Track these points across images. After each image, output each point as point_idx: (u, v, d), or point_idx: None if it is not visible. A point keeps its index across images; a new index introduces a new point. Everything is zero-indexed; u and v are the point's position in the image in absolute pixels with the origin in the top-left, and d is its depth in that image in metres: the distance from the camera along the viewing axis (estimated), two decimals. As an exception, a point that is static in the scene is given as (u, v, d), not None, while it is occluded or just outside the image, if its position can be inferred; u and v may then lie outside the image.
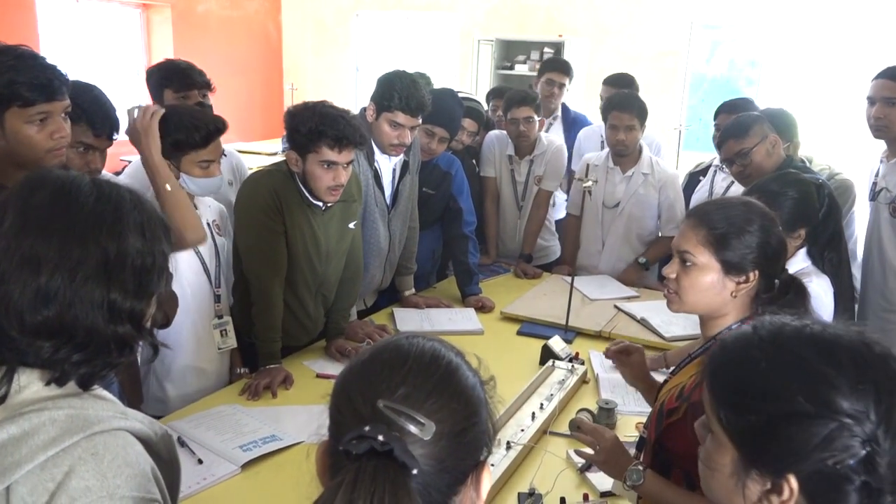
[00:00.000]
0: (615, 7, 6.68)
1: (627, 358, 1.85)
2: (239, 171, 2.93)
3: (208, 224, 2.26)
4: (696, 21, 6.45)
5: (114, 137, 2.04)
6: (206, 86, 2.81)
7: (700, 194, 3.43)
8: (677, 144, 5.48)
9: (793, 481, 0.84)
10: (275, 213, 2.25)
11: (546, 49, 6.78)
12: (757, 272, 1.45)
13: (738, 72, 7.02)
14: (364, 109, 2.69)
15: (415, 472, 0.75)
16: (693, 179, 3.64)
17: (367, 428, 0.75)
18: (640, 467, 1.52)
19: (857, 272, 2.95)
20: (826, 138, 5.05)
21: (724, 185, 3.32)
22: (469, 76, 7.00)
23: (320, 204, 2.32)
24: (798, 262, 2.11)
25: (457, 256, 3.19)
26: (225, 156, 2.77)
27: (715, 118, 3.34)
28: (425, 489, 0.77)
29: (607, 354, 2.35)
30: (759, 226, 1.47)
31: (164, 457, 1.05)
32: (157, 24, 7.51)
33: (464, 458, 0.81)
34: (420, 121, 2.62)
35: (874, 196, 2.92)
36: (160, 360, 2.13)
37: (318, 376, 2.35)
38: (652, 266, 3.39)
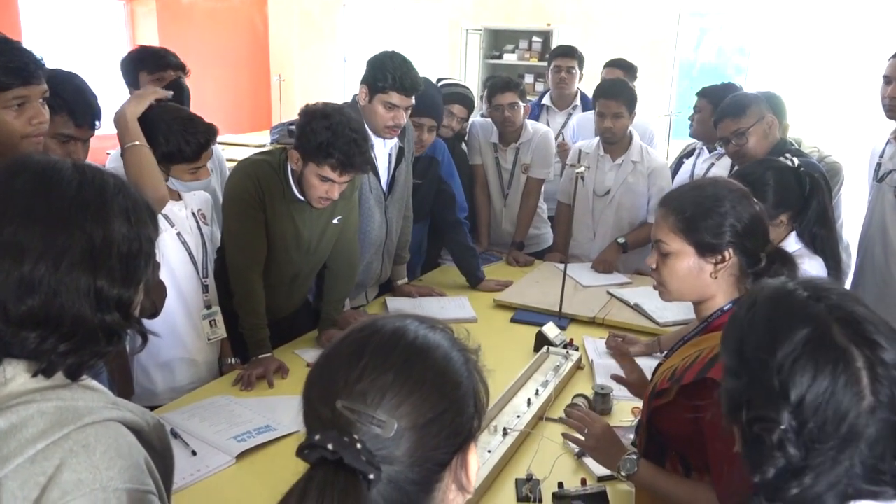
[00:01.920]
0: (602, -7, 6.66)
1: (627, 378, 1.88)
2: (218, 158, 2.90)
3: (194, 213, 2.23)
4: (683, 9, 6.44)
5: (96, 127, 2.00)
6: (181, 68, 2.77)
7: (682, 176, 3.43)
8: (667, 132, 5.46)
9: (735, 432, 0.93)
10: (256, 203, 2.24)
11: (535, 38, 6.77)
12: (732, 250, 1.45)
13: (727, 59, 7.01)
14: (355, 96, 2.66)
15: (371, 476, 0.72)
16: (679, 163, 3.64)
17: (317, 437, 0.73)
18: (634, 456, 1.51)
19: (843, 255, 2.95)
20: (813, 123, 5.06)
21: (704, 166, 3.32)
22: (458, 66, 6.96)
23: (303, 198, 2.30)
24: (790, 246, 2.10)
25: (457, 240, 3.17)
26: None
27: (695, 103, 3.34)
28: (397, 487, 0.75)
29: (609, 340, 2.34)
30: (728, 203, 1.46)
31: (157, 447, 1.03)
32: (142, 17, 7.42)
33: (439, 447, 0.78)
34: (413, 101, 2.59)
35: (880, 178, 2.91)
36: (148, 352, 2.10)
37: (310, 365, 2.33)
38: (632, 249, 3.37)
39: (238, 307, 2.30)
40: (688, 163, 3.52)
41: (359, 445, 0.72)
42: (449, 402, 0.79)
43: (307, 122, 2.15)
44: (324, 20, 8.10)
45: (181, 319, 2.17)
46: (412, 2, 7.61)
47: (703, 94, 3.32)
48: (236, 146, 6.20)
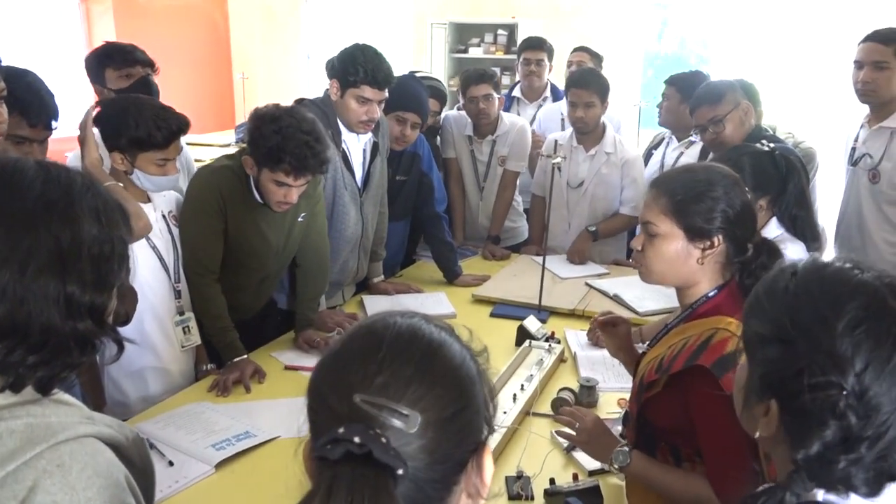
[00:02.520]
0: (567, -14, 6.65)
1: (614, 329, 1.82)
2: (185, 157, 2.81)
3: (164, 216, 2.15)
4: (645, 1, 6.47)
5: (52, 127, 1.91)
6: (149, 64, 2.68)
7: (652, 168, 3.43)
8: (636, 122, 5.48)
9: (773, 406, 0.89)
10: (216, 213, 2.18)
11: (500, 31, 6.73)
12: (721, 236, 1.43)
13: (689, 50, 7.07)
14: (326, 91, 2.59)
15: (400, 472, 0.67)
16: (648, 154, 3.63)
17: (340, 430, 0.67)
18: (626, 448, 1.49)
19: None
20: (784, 111, 5.11)
21: (674, 155, 3.32)
22: (423, 60, 6.91)
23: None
24: (771, 231, 2.10)
25: (435, 235, 3.13)
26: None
27: (663, 91, 3.33)
28: (417, 486, 0.70)
29: (590, 332, 2.33)
30: (721, 189, 1.44)
31: (137, 462, 0.96)
32: (98, 14, 7.23)
33: (459, 445, 0.74)
34: (386, 94, 2.54)
35: (854, 162, 2.93)
36: (119, 363, 2.02)
37: (287, 368, 2.27)
38: (603, 237, 3.36)
39: (199, 314, 2.23)
40: (657, 153, 3.51)
41: (384, 440, 0.67)
42: (468, 398, 0.76)
43: (256, 128, 2.08)
44: (286, 16, 7.98)
45: (152, 327, 2.09)
46: (376, -4, 7.53)
47: (671, 81, 3.31)
48: (201, 146, 6.07)
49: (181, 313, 2.16)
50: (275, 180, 2.10)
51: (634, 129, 5.41)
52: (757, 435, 0.93)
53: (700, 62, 6.78)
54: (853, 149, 2.98)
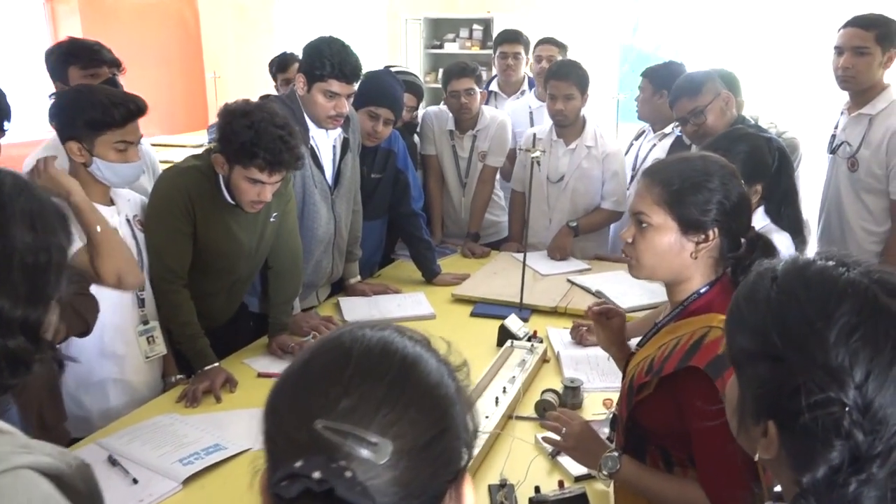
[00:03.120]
0: (542, -21, 6.60)
1: (608, 321, 1.74)
2: (149, 158, 2.70)
3: (128, 220, 2.05)
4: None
5: (3, 128, 1.81)
6: (115, 64, 2.57)
7: (630, 161, 3.38)
8: (615, 116, 5.43)
9: (771, 428, 0.80)
10: (184, 215, 2.09)
11: (475, 26, 6.68)
12: (717, 230, 1.36)
13: (665, 42, 7.04)
14: (293, 87, 2.50)
15: None
16: (629, 147, 3.58)
17: (298, 463, 0.58)
18: (616, 453, 1.42)
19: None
20: (763, 103, 5.09)
21: (647, 147, 3.27)
22: (398, 56, 6.82)
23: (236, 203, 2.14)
24: (758, 221, 2.04)
25: (412, 233, 3.05)
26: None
27: (640, 84, 3.28)
28: None
29: (574, 331, 2.25)
30: (717, 180, 1.37)
31: (83, 489, 0.87)
32: (64, 14, 7.05)
33: (435, 475, 0.65)
34: (355, 87, 2.45)
35: (833, 150, 2.90)
36: (77, 375, 1.93)
37: (260, 375, 2.18)
38: (584, 233, 3.30)
39: (167, 322, 2.13)
40: (636, 145, 3.46)
41: (348, 473, 0.59)
42: (447, 421, 0.66)
43: (227, 123, 1.99)
44: (259, 14, 7.85)
45: (113, 337, 1.99)
46: (349, -8, 7.43)
47: (645, 74, 3.27)
48: (172, 147, 5.94)
49: (145, 322, 2.05)
50: (248, 178, 2.01)
51: (612, 123, 5.36)
52: (757, 457, 0.84)
53: (676, 55, 6.76)
54: (833, 136, 2.95)
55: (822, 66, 3.02)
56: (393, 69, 3.20)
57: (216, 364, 2.11)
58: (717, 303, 1.36)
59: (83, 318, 1.69)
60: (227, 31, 8.04)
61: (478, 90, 3.36)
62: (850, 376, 0.74)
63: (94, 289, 1.85)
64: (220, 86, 7.46)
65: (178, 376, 2.15)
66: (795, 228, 2.08)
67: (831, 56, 2.82)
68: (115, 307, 1.97)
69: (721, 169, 1.39)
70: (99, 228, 1.78)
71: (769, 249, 1.38)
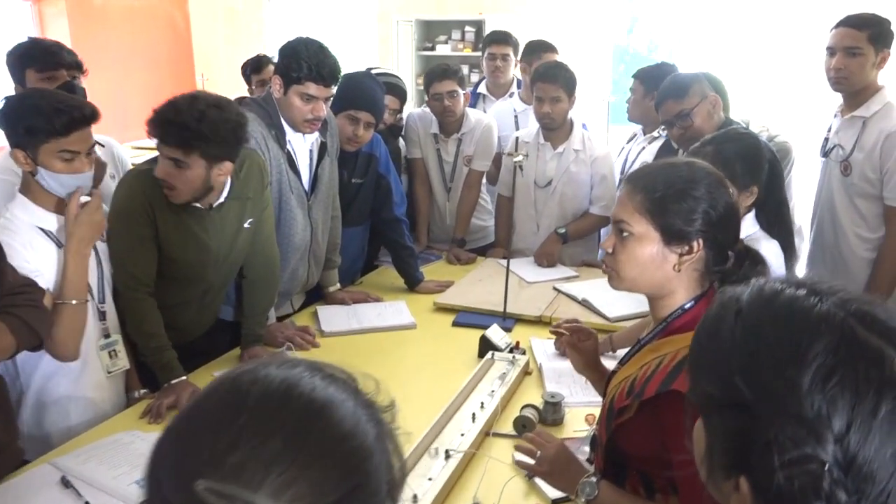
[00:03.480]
0: (534, -19, 6.53)
1: (580, 343, 1.65)
2: (122, 164, 2.62)
3: None
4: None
5: None
6: (77, 66, 2.47)
7: (618, 165, 3.30)
8: (606, 118, 5.36)
9: (743, 484, 0.70)
10: (144, 218, 1.99)
11: (467, 28, 6.62)
12: (701, 241, 1.27)
13: (659, 44, 6.99)
14: (269, 90, 2.42)
15: None
16: (621, 150, 3.50)
17: None
18: (594, 479, 1.33)
19: (795, 238, 2.86)
20: (755, 106, 5.02)
21: (637, 150, 3.19)
22: (390, 59, 6.74)
23: (199, 205, 2.05)
24: (747, 227, 1.97)
25: (395, 240, 2.96)
26: (102, 146, 2.46)
27: (631, 86, 3.20)
28: None
29: (558, 341, 2.19)
30: (704, 188, 1.28)
31: None
32: (51, 18, 6.97)
33: None
34: (333, 90, 2.37)
35: (826, 153, 2.82)
36: (34, 393, 1.84)
37: (231, 390, 2.09)
38: (573, 239, 3.22)
39: (132, 333, 2.04)
40: (626, 148, 3.39)
41: None
42: (358, 478, 0.58)
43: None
44: (249, 16, 7.78)
45: None
46: (340, -6, 7.35)
47: (637, 75, 3.19)
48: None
49: (106, 336, 1.96)
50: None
51: (604, 125, 5.28)
52: None
53: (671, 56, 6.69)
54: (826, 139, 2.88)
55: (815, 68, 2.95)
56: (375, 71, 3.12)
57: (183, 378, 2.03)
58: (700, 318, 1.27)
59: (35, 332, 1.60)
60: (217, 34, 7.97)
61: (461, 92, 3.28)
62: (828, 428, 0.64)
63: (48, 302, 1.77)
64: (209, 88, 7.36)
65: (143, 391, 2.07)
66: (785, 239, 2.01)
67: (823, 57, 2.75)
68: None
69: (708, 176, 1.30)
70: (74, 302, 1.76)
71: (758, 263, 1.30)
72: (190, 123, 1.86)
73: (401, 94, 3.20)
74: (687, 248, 1.27)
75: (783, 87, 5.67)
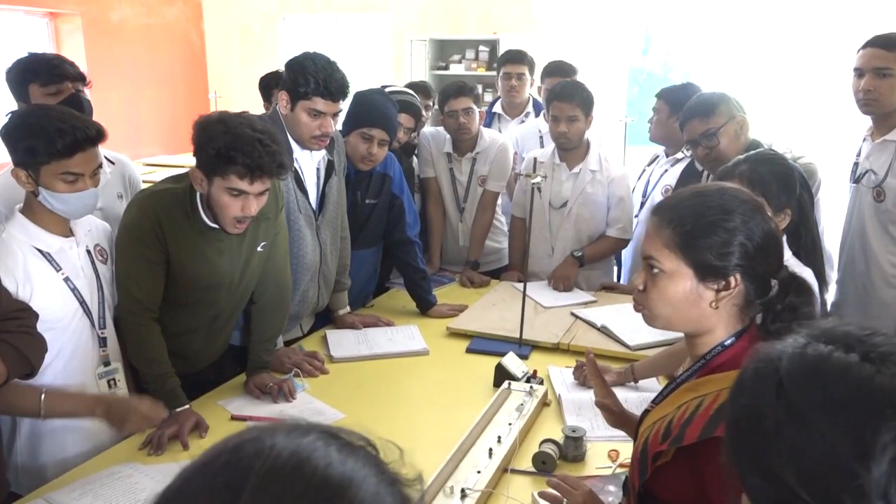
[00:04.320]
0: (549, 1, 6.48)
1: (607, 412, 1.56)
2: (131, 184, 2.55)
3: (88, 251, 1.89)
4: (630, 14, 6.30)
5: None
6: (80, 78, 2.41)
7: (640, 189, 3.21)
8: (623, 138, 5.28)
9: None
10: (153, 241, 1.91)
11: (481, 47, 6.59)
12: (739, 276, 1.17)
13: (674, 65, 6.93)
14: (275, 107, 2.36)
15: None
16: (642, 173, 3.41)
17: None
18: None
19: (826, 266, 2.75)
20: (777, 128, 4.93)
21: (659, 173, 3.10)
22: (404, 77, 6.71)
23: (217, 227, 1.97)
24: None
25: (407, 262, 2.87)
26: (112, 163, 2.40)
27: (654, 105, 3.11)
28: None
29: (577, 371, 2.10)
30: (738, 218, 1.18)
31: None
32: (67, 34, 7.00)
33: None
34: (342, 106, 2.30)
35: (857, 179, 2.72)
36: (28, 422, 1.76)
37: (234, 418, 2.01)
38: (589, 262, 3.12)
39: (134, 360, 1.96)
40: (647, 171, 3.30)
41: None
42: None
43: (202, 130, 1.84)
44: (264, 34, 7.79)
45: (70, 381, 1.81)
46: (354, 13, 7.35)
47: (661, 95, 3.11)
48: (173, 167, 5.82)
49: (106, 363, 1.88)
50: (228, 189, 1.84)
51: (621, 146, 5.20)
52: None
53: (686, 77, 6.62)
54: (855, 164, 2.77)
55: (837, 89, 2.86)
56: (389, 89, 3.06)
57: (187, 406, 1.94)
58: (744, 357, 1.17)
59: (27, 360, 1.53)
60: (232, 52, 7.99)
61: (476, 109, 3.21)
62: None
63: (49, 326, 1.70)
64: (221, 105, 7.35)
65: (143, 420, 1.98)
66: (818, 267, 1.91)
67: (848, 78, 2.65)
68: (72, 347, 1.81)
69: (742, 204, 1.20)
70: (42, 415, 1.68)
71: (803, 291, 1.19)
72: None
73: (415, 113, 3.13)
74: (724, 283, 1.18)
75: (803, 109, 5.58)
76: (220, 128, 1.80)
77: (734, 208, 1.19)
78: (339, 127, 2.58)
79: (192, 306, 2.06)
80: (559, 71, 3.80)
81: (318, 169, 2.45)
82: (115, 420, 1.68)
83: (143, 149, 7.20)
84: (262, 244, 2.12)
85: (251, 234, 2.05)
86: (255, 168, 1.80)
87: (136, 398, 1.75)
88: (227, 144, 1.78)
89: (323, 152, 2.41)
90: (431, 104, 3.76)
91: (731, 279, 1.18)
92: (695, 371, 1.23)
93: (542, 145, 3.64)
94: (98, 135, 1.74)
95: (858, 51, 2.62)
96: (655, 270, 1.22)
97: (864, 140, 2.74)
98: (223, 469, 0.50)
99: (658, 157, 3.27)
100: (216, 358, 2.25)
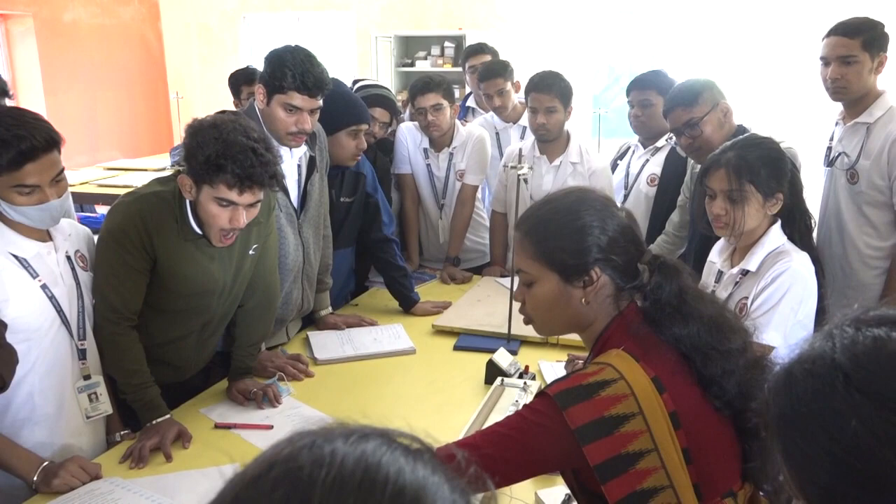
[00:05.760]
0: (512, -3, 6.47)
1: None
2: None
3: (68, 257, 1.78)
4: (594, 6, 6.31)
5: None
6: (2, 91, 2.28)
7: (617, 179, 3.17)
8: (598, 131, 5.27)
9: None
10: (138, 248, 1.80)
11: (447, 43, 6.55)
12: (598, 269, 1.24)
13: (644, 56, 6.95)
14: (252, 102, 2.27)
15: None
16: (613, 166, 3.36)
17: None
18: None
19: None
20: (748, 116, 4.97)
21: (639, 163, 3.07)
22: (370, 75, 6.61)
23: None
24: (775, 239, 1.86)
25: (387, 261, 2.80)
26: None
27: (628, 95, 3.05)
28: None
29: (568, 364, 2.09)
30: (586, 216, 1.25)
31: None
32: (19, 36, 6.77)
33: None
34: (320, 102, 2.21)
35: (830, 162, 2.73)
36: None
37: (218, 426, 1.92)
38: None
39: (111, 369, 1.85)
40: (622, 164, 3.26)
41: None
42: None
43: (193, 136, 1.74)
44: (224, 33, 7.63)
45: (45, 396, 1.70)
46: (317, 11, 7.24)
47: (636, 84, 3.00)
48: (134, 171, 5.66)
49: (86, 377, 1.78)
50: (217, 199, 1.75)
51: (591, 138, 5.19)
52: None
53: (660, 66, 6.64)
54: (829, 148, 2.79)
55: (809, 74, 2.86)
56: (363, 82, 2.99)
57: (167, 416, 1.85)
58: (612, 338, 1.24)
59: (-2, 374, 1.42)
60: (191, 52, 7.82)
61: (446, 105, 3.11)
62: None
63: (24, 337, 1.59)
64: (183, 106, 7.19)
65: (124, 432, 1.88)
66: (812, 251, 1.90)
67: (817, 66, 2.66)
68: (49, 359, 1.70)
69: (587, 203, 1.27)
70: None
71: (668, 272, 1.24)
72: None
73: (391, 107, 3.05)
74: (587, 279, 1.25)
75: (773, 95, 5.64)
76: (213, 133, 1.70)
77: (580, 208, 1.26)
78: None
79: (182, 313, 1.96)
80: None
81: (298, 166, 2.36)
82: (50, 481, 1.58)
83: (102, 153, 6.99)
84: (254, 247, 2.03)
85: (243, 238, 1.95)
86: (245, 178, 1.71)
87: (75, 459, 1.65)
88: (217, 152, 1.68)
89: (304, 148, 2.33)
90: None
91: (593, 273, 1.24)
92: (588, 361, 1.30)
93: (499, 142, 3.54)
94: (48, 142, 1.60)
95: (822, 39, 2.63)
96: (528, 282, 1.29)
97: (836, 124, 2.75)
98: (280, 481, 0.44)
99: (630, 148, 3.22)
100: (203, 366, 2.15)
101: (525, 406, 1.24)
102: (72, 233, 1.84)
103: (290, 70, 2.09)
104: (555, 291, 1.26)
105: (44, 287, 1.69)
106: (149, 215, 1.81)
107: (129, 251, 1.80)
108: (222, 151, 1.69)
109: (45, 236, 1.73)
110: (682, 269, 1.26)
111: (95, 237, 1.91)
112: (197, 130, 1.74)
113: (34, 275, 1.67)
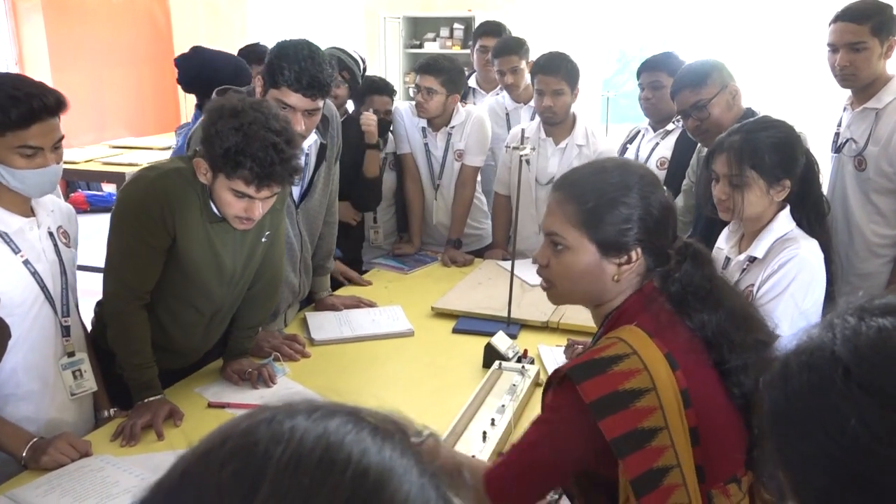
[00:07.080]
0: (524, -24, 6.39)
1: None
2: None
3: (51, 233, 1.75)
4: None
5: None
6: None
7: None
8: (606, 115, 5.21)
9: None
10: (157, 225, 1.74)
11: (456, 25, 6.48)
12: (640, 249, 1.22)
13: (654, 39, 6.86)
14: (251, 87, 2.21)
15: None
16: (623, 150, 3.31)
17: None
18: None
19: None
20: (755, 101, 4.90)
21: (649, 146, 3.01)
22: (378, 56, 6.57)
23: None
24: (783, 225, 1.82)
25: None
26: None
27: (638, 77, 2.99)
28: None
29: (568, 349, 2.09)
30: (637, 194, 1.22)
31: None
32: (26, 12, 6.75)
33: None
34: (320, 104, 2.10)
35: (838, 148, 2.68)
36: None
37: (211, 405, 1.90)
38: None
39: (114, 345, 1.82)
40: (631, 148, 3.20)
41: None
42: None
43: (212, 123, 1.66)
44: (231, 13, 7.58)
45: (31, 372, 1.68)
46: (325, -10, 7.17)
47: (647, 66, 2.94)
48: (140, 150, 5.63)
49: (70, 354, 1.75)
50: (232, 189, 1.69)
51: (600, 122, 5.13)
52: None
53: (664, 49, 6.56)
54: (836, 134, 2.73)
55: (818, 59, 2.79)
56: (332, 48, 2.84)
57: (160, 395, 1.83)
58: (629, 311, 1.22)
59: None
60: (199, 31, 7.75)
61: (439, 91, 3.00)
62: None
63: (6, 313, 1.57)
64: (191, 86, 7.14)
65: (113, 410, 1.86)
66: (824, 238, 1.86)
67: (825, 52, 2.60)
68: (33, 336, 1.68)
69: (640, 179, 1.25)
70: None
71: (700, 260, 1.22)
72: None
73: (391, 93, 3.02)
74: (626, 257, 1.22)
75: (781, 79, 5.56)
76: (233, 123, 1.62)
77: (633, 184, 1.23)
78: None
79: (194, 301, 1.91)
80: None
81: (307, 155, 2.29)
82: (39, 458, 1.56)
83: (109, 131, 6.97)
84: (266, 234, 1.97)
85: (257, 224, 1.86)
86: (263, 177, 1.65)
87: (65, 436, 1.62)
88: (237, 146, 1.61)
89: (315, 136, 2.26)
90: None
91: (633, 253, 1.22)
92: (599, 336, 1.28)
93: (508, 123, 3.48)
94: (57, 104, 1.59)
95: (829, 25, 2.56)
96: (559, 247, 1.24)
97: (844, 110, 2.69)
98: (232, 456, 0.40)
99: (640, 132, 3.17)
100: (206, 352, 2.12)
101: (542, 407, 1.25)
102: (54, 209, 1.80)
103: (288, 64, 1.98)
104: (589, 264, 1.23)
105: (26, 263, 1.66)
106: (173, 192, 1.75)
107: (147, 228, 1.75)
108: (242, 147, 1.61)
109: (28, 211, 1.70)
110: (712, 258, 1.25)
111: (96, 216, 1.88)
112: (217, 116, 1.66)
113: (16, 250, 1.64)
